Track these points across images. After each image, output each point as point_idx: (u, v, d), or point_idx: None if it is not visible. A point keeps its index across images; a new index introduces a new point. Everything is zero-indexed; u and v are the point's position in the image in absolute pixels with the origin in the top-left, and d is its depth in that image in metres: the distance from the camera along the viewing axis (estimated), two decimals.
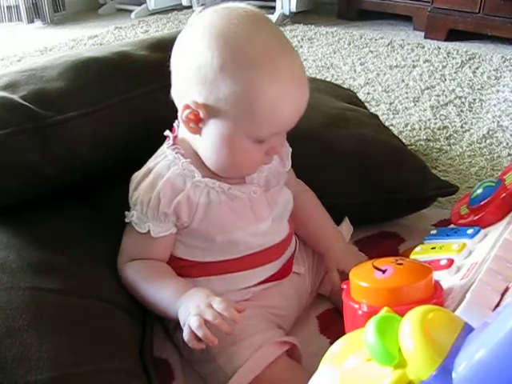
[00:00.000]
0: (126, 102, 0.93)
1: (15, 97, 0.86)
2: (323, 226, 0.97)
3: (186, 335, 0.71)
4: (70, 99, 0.89)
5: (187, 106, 0.75)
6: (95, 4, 3.61)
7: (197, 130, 0.77)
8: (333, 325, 0.93)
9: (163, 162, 0.80)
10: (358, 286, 0.58)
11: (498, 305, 0.54)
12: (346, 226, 1.00)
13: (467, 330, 0.42)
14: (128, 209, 0.82)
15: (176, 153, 0.80)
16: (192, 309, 0.72)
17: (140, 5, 3.42)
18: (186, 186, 0.78)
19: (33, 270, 0.76)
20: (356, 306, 0.58)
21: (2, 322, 0.67)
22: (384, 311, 0.47)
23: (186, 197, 0.78)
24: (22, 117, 0.84)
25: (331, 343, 0.88)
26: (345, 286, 0.63)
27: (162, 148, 0.83)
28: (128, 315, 0.80)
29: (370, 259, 1.04)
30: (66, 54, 1.02)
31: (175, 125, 0.84)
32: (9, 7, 3.16)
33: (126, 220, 0.81)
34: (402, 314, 0.49)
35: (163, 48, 1.02)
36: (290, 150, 0.91)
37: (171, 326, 0.86)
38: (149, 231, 0.79)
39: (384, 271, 0.57)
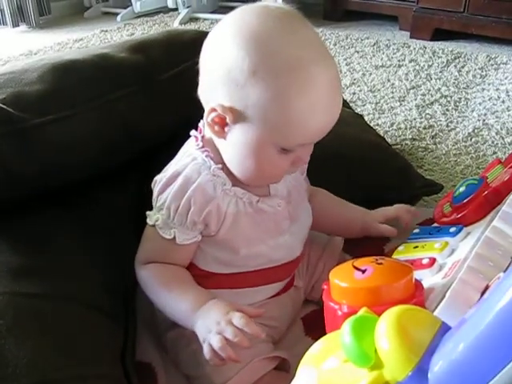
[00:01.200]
0: (106, 105, 0.92)
1: None
2: (347, 210, 0.98)
3: (207, 353, 0.68)
4: (50, 102, 0.88)
5: (213, 109, 0.71)
6: (81, 7, 3.60)
7: (222, 134, 0.73)
8: (318, 326, 0.91)
9: (193, 166, 0.75)
10: (337, 286, 0.57)
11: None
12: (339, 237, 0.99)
13: (444, 329, 0.42)
14: (113, 211, 0.81)
15: (206, 156, 0.76)
16: (212, 326, 0.69)
17: (126, 8, 3.41)
18: (216, 193, 0.74)
19: (11, 275, 0.75)
20: (336, 306, 0.57)
21: None
22: (362, 311, 0.46)
23: (216, 205, 0.75)
24: (0, 120, 0.83)
25: None
26: (325, 287, 0.62)
27: (187, 149, 0.79)
28: (109, 318, 0.79)
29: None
30: (46, 57, 1.01)
31: (200, 125, 0.80)
32: None
33: (149, 222, 0.77)
34: (381, 314, 0.49)
35: (144, 49, 1.02)
36: None
37: (161, 328, 0.85)
38: (174, 238, 0.75)
39: (364, 271, 0.57)
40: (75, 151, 0.90)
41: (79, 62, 0.95)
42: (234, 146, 0.73)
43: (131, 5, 3.37)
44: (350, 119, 1.26)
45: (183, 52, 1.03)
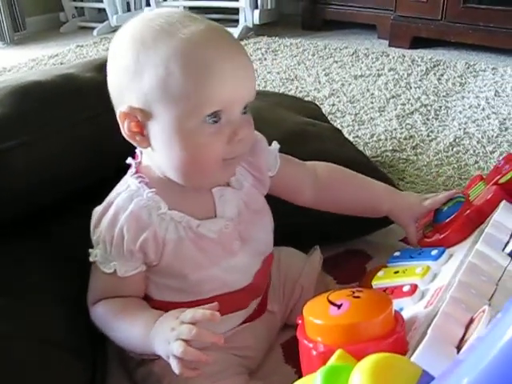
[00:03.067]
0: (70, 128, 0.88)
1: None
2: (367, 188, 0.94)
3: (175, 368, 0.63)
4: (11, 127, 0.84)
5: (125, 115, 0.69)
6: (57, 22, 3.55)
7: (145, 141, 0.70)
8: (297, 354, 0.88)
9: (125, 194, 0.72)
10: (311, 323, 0.54)
11: (462, 339, 0.50)
12: (317, 256, 0.95)
13: (425, 379, 0.38)
14: (83, 236, 0.76)
15: (140, 182, 0.73)
16: (168, 335, 0.64)
17: (102, 22, 3.38)
18: (151, 219, 0.71)
19: None
20: (310, 345, 0.53)
21: None
22: (336, 357, 0.42)
23: (152, 232, 0.71)
24: None
25: (296, 373, 0.85)
26: (299, 322, 0.58)
27: (125, 178, 0.76)
28: (76, 358, 0.74)
29: (337, 279, 1.03)
30: (7, 79, 0.96)
31: (137, 151, 0.77)
32: None
33: (90, 259, 0.74)
34: (360, 354, 0.45)
35: None
36: (274, 147, 0.86)
37: (131, 364, 0.80)
38: (115, 271, 0.72)
39: (339, 306, 0.53)
40: (40, 176, 0.86)
41: (41, 83, 0.91)
42: (160, 146, 0.70)
43: (108, 19, 3.34)
44: (328, 134, 1.23)
45: None
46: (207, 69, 0.65)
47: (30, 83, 0.92)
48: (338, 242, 1.12)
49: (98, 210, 0.74)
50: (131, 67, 0.68)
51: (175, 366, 0.63)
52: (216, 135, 0.68)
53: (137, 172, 0.75)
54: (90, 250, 0.74)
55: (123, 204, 0.71)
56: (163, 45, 0.66)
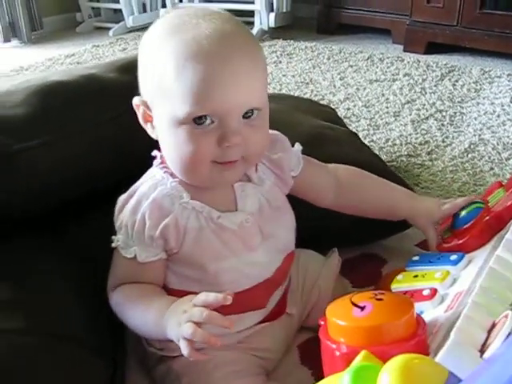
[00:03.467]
0: (93, 128, 0.89)
1: None
2: (387, 191, 0.96)
3: (184, 350, 0.63)
4: (34, 126, 0.85)
5: (136, 105, 0.76)
6: (73, 22, 3.57)
7: (154, 132, 0.75)
8: (314, 355, 0.88)
9: (149, 182, 0.75)
10: (335, 324, 0.54)
11: (484, 343, 0.51)
12: (335, 258, 0.95)
13: (452, 381, 0.39)
14: (100, 237, 0.77)
15: (164, 172, 0.75)
16: (180, 317, 0.65)
17: (118, 22, 3.39)
18: (174, 207, 0.73)
19: None
20: (334, 346, 0.54)
21: None
22: (362, 357, 0.43)
23: (174, 220, 0.72)
24: None
25: (312, 375, 0.86)
26: (322, 323, 0.59)
27: (151, 168, 0.78)
28: (95, 354, 0.75)
29: (353, 283, 1.04)
30: (32, 78, 0.98)
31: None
32: None
33: (113, 245, 0.75)
34: (383, 355, 0.46)
35: (132, 70, 0.98)
36: (297, 149, 0.88)
37: (151, 362, 0.82)
38: (135, 256, 0.73)
39: (363, 308, 0.54)
40: (61, 176, 0.87)
41: (65, 83, 0.92)
42: (160, 139, 0.74)
43: (123, 19, 3.36)
44: (344, 138, 1.23)
45: None
46: (199, 73, 0.67)
47: (53, 83, 0.93)
48: (355, 245, 1.12)
49: (122, 197, 0.76)
50: (143, 61, 0.75)
51: (184, 348, 0.63)
52: (203, 137, 0.69)
53: (162, 163, 0.77)
54: (113, 237, 0.76)
55: (147, 192, 0.74)
56: (167, 44, 0.69)
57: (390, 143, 1.70)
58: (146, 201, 0.73)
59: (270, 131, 0.79)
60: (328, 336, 0.56)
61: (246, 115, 0.70)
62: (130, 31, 3.34)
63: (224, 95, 0.67)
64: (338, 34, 3.13)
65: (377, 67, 2.49)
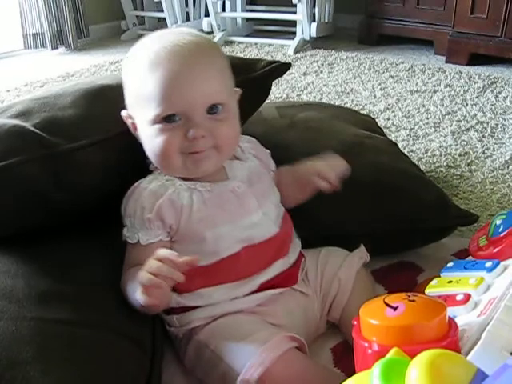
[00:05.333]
0: None
1: (27, 124, 0.86)
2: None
3: (138, 295, 0.72)
4: (82, 127, 0.89)
5: (124, 118, 0.87)
6: (118, 30, 3.67)
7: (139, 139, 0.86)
8: (347, 358, 0.90)
9: (147, 179, 0.85)
10: (368, 323, 0.56)
11: None
12: (360, 252, 0.98)
13: (480, 376, 0.40)
14: None
15: (159, 173, 0.86)
16: (140, 272, 0.73)
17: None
18: (167, 191, 0.82)
19: (40, 300, 0.74)
20: (366, 344, 0.55)
21: (6, 353, 0.65)
22: (392, 353, 0.44)
23: (167, 200, 0.81)
24: (33, 145, 0.84)
25: (346, 376, 0.87)
26: (355, 323, 0.60)
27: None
28: (135, 345, 0.78)
29: (388, 289, 1.04)
30: (80, 82, 1.02)
31: None
32: (34, 34, 3.23)
33: (123, 238, 0.84)
34: (414, 355, 0.47)
35: None
36: (268, 151, 0.98)
37: (183, 346, 0.85)
38: (138, 240, 0.82)
39: (395, 308, 0.55)
40: (105, 177, 0.90)
41: (112, 87, 0.96)
42: (142, 141, 0.85)
43: (167, 28, 3.42)
44: (384, 147, 1.24)
45: None
46: (160, 79, 0.79)
47: (101, 87, 0.97)
48: (390, 253, 1.13)
49: (126, 195, 0.85)
50: (123, 78, 0.88)
51: (139, 294, 0.72)
52: (171, 132, 0.80)
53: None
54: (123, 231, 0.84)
55: (144, 185, 0.84)
56: (135, 58, 0.84)
57: (429, 154, 1.70)
58: (144, 192, 0.83)
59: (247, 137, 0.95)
60: (361, 335, 0.57)
61: (212, 111, 0.81)
62: None
63: (184, 95, 0.79)
64: (379, 45, 3.13)
65: (418, 78, 2.49)
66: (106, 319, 0.79)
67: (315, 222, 1.06)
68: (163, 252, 0.73)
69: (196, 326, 0.83)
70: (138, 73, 0.82)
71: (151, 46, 0.82)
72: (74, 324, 0.74)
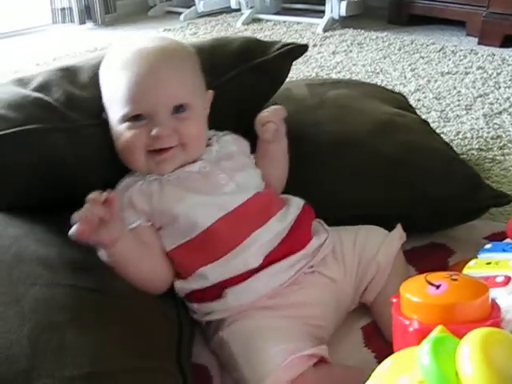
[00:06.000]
0: None
1: (49, 99, 0.91)
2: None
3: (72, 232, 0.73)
4: (100, 104, 0.91)
5: (104, 119, 0.90)
6: (145, 6, 3.65)
7: None
8: (377, 338, 0.89)
9: (126, 177, 0.90)
10: (409, 301, 0.55)
11: None
12: (398, 233, 0.96)
13: None
14: None
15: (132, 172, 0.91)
16: None
17: (189, 7, 3.44)
18: (136, 183, 0.87)
19: (73, 268, 0.76)
20: (407, 322, 0.54)
21: (44, 316, 0.67)
22: (438, 330, 0.44)
23: (136, 190, 0.86)
24: (56, 117, 0.89)
25: (375, 357, 0.87)
26: (394, 300, 0.59)
27: None
28: (164, 317, 0.81)
29: (418, 270, 1.03)
30: (99, 55, 1.02)
31: None
32: (62, 9, 3.24)
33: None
34: (456, 334, 0.46)
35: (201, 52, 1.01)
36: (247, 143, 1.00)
37: (209, 332, 0.87)
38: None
39: (438, 286, 0.54)
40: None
41: None
42: (114, 140, 0.89)
43: (194, 4, 3.40)
44: (415, 126, 1.22)
45: (227, 62, 1.05)
46: (125, 82, 0.85)
47: None
48: (421, 233, 1.12)
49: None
50: (100, 83, 0.92)
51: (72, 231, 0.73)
52: (137, 130, 0.85)
53: None
54: None
55: (121, 180, 0.89)
56: (106, 63, 0.91)
57: (460, 136, 1.67)
58: (118, 186, 0.88)
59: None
60: (401, 312, 0.56)
61: (177, 111, 0.86)
62: (201, 16, 3.38)
63: (148, 96, 0.84)
64: (409, 25, 3.07)
65: (449, 59, 2.44)
66: (133, 290, 0.81)
67: (346, 202, 1.06)
68: (90, 195, 0.75)
69: (220, 319, 0.84)
70: (109, 76, 0.89)
71: (122, 51, 0.88)
72: (104, 292, 0.76)
